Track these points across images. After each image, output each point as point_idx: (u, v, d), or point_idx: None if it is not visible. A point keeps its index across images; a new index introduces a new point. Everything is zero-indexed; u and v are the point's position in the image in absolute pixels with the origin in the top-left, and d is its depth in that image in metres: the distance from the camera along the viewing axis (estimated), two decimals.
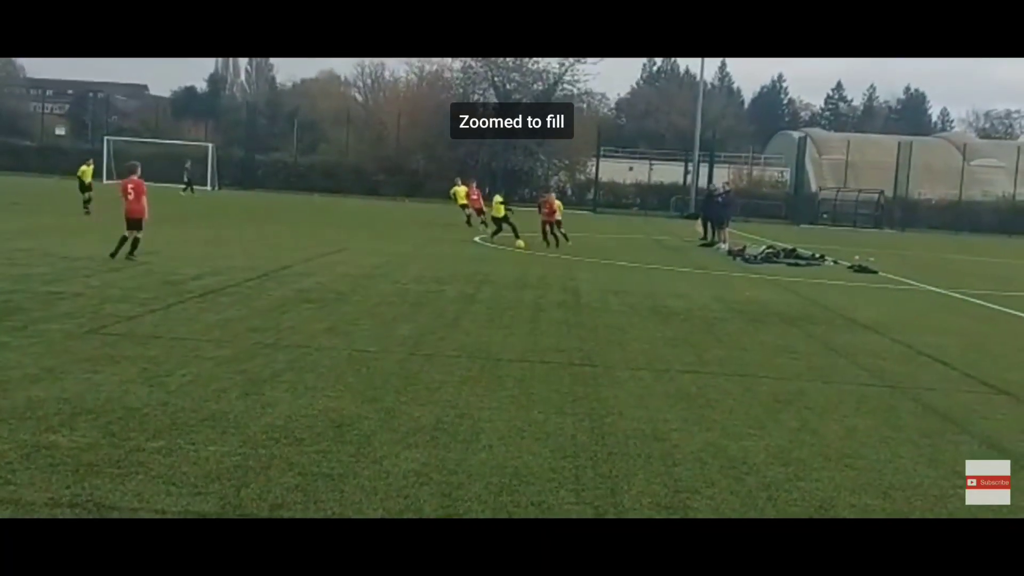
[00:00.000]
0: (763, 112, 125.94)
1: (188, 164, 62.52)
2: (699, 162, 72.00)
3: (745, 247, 31.27)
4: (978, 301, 21.26)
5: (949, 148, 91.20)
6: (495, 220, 30.82)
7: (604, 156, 78.64)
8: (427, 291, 17.05)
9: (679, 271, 24.77)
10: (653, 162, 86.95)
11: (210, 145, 71.78)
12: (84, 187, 34.37)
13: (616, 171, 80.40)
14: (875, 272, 27.10)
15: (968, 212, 74.12)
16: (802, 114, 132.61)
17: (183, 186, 58.02)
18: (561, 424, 8.18)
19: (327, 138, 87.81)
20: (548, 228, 29.65)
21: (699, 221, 38.53)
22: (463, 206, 37.47)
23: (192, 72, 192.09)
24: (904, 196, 75.82)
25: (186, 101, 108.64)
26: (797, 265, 28.43)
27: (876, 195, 73.91)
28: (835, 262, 29.72)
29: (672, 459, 7.34)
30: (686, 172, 75.79)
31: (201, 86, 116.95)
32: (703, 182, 64.82)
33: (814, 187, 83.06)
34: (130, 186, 19.61)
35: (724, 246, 32.81)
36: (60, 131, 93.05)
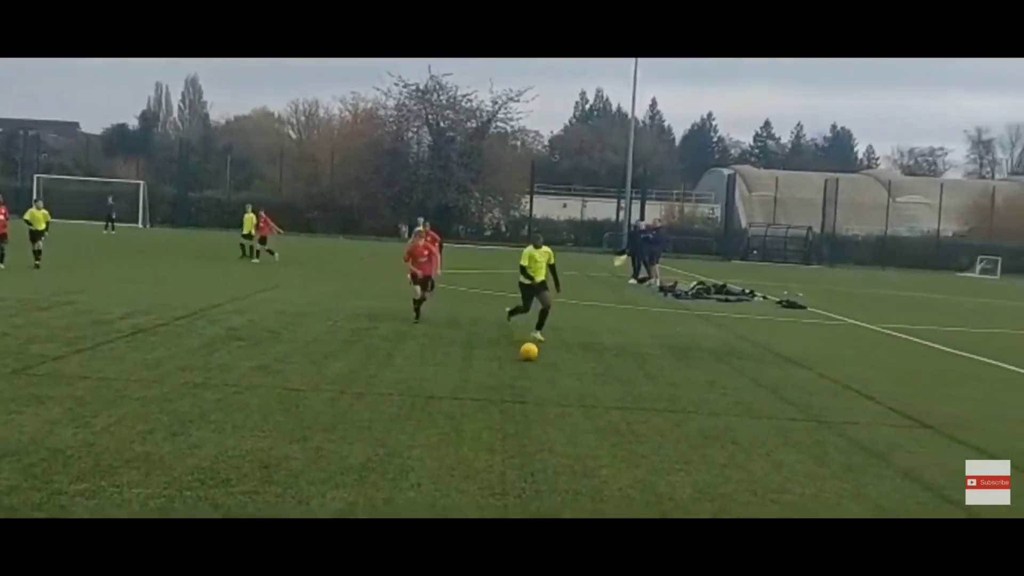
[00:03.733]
0: (694, 149, 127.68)
1: (111, 200, 60.89)
2: (631, 199, 72.65)
3: (676, 283, 31.59)
4: (904, 335, 21.68)
5: (875, 185, 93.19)
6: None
7: (538, 193, 79.12)
8: (360, 328, 17.00)
9: (612, 307, 24.95)
10: (586, 199, 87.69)
11: (141, 183, 70.96)
12: (35, 235, 27.23)
13: (550, 208, 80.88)
14: (804, 307, 27.49)
15: (894, 247, 75.56)
16: (731, 151, 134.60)
17: (104, 223, 56.58)
18: (491, 462, 8.20)
19: (261, 175, 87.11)
20: None
21: (626, 257, 38.50)
22: (247, 235, 36.47)
23: (124, 109, 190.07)
24: (832, 232, 77.17)
25: (118, 138, 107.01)
26: (727, 301, 28.75)
27: (804, 231, 75.18)
28: (764, 297, 30.10)
29: (600, 496, 7.39)
30: (619, 208, 76.45)
31: (133, 123, 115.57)
32: (636, 218, 65.47)
33: (744, 223, 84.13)
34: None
35: (655, 282, 33.09)
36: None
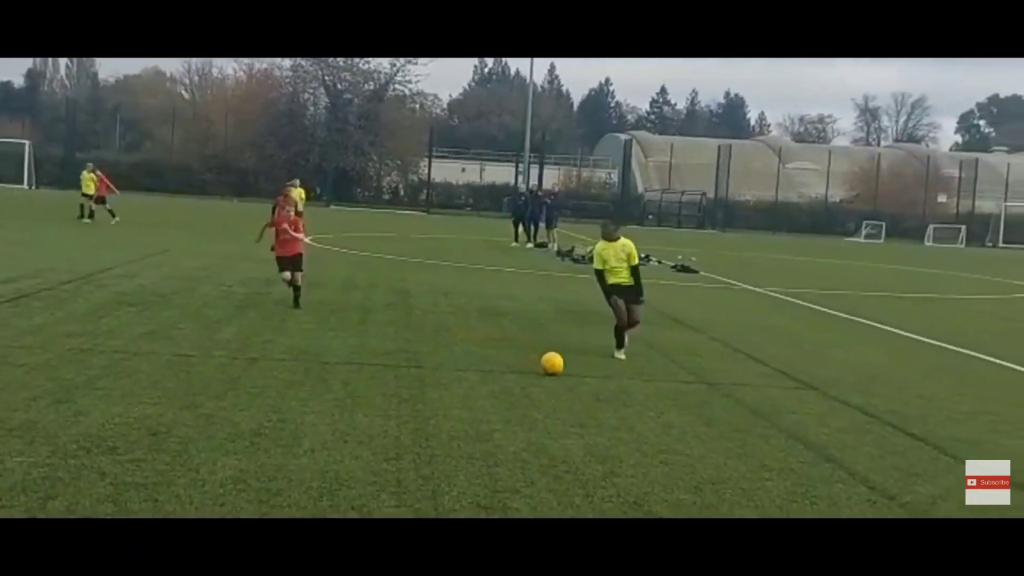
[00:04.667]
0: (591, 114, 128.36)
1: None
2: (530, 163, 72.85)
3: (573, 247, 31.78)
4: (792, 299, 22.18)
5: (766, 151, 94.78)
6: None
7: (437, 157, 78.83)
8: (254, 293, 16.79)
9: (510, 272, 25.03)
10: (485, 163, 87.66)
11: (27, 143, 68.79)
12: None
13: (449, 172, 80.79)
14: (697, 272, 27.93)
15: (784, 213, 77.23)
16: (628, 117, 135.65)
17: None
18: (385, 427, 8.19)
19: (152, 136, 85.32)
20: None
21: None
22: (88, 196, 34.50)
23: (8, 67, 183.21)
24: (725, 197, 78.44)
25: (2, 96, 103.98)
26: None
27: (699, 196, 76.31)
28: (659, 262, 30.44)
29: (494, 459, 7.44)
30: (517, 173, 76.60)
31: (18, 81, 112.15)
32: (533, 183, 65.69)
33: (640, 188, 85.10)
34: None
35: (553, 247, 33.30)
36: None
